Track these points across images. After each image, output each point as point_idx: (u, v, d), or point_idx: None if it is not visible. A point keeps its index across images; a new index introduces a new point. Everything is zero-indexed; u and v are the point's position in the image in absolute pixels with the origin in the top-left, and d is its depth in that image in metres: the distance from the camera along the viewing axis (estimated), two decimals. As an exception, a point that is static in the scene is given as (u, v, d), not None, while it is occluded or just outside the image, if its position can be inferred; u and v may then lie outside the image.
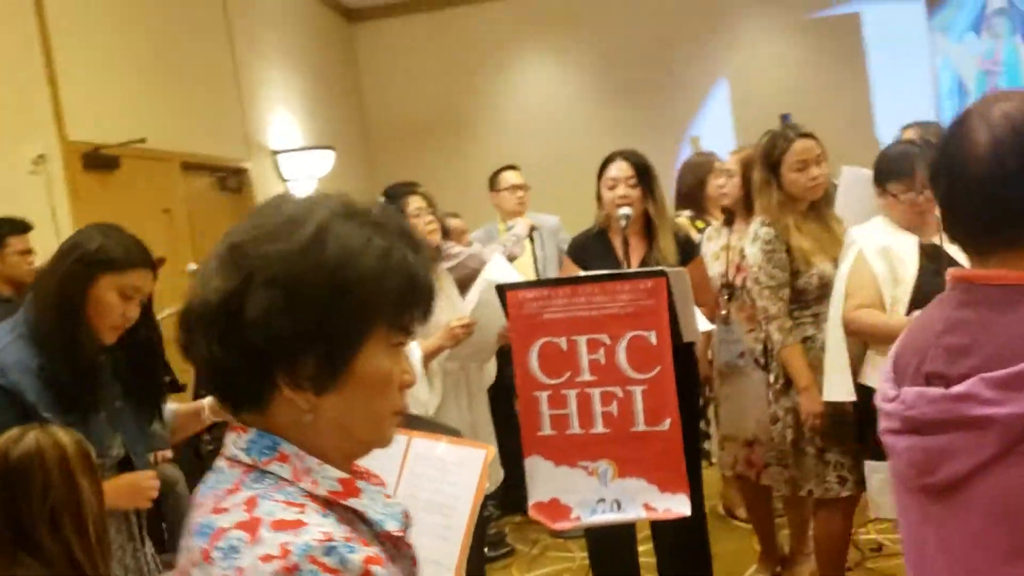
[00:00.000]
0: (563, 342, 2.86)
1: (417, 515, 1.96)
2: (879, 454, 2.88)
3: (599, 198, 3.37)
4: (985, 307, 1.23)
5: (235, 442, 1.03)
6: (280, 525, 0.93)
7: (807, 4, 7.86)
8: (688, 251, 3.35)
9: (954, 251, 2.86)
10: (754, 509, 3.83)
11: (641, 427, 2.81)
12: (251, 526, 0.94)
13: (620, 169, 3.32)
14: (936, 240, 2.92)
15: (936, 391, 1.25)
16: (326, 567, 0.90)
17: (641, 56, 8.01)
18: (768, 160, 3.19)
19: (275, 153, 6.87)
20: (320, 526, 0.94)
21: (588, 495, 2.87)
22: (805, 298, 3.18)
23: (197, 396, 2.88)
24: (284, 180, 6.91)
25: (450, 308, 3.23)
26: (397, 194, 3.35)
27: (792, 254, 3.15)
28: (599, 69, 8.22)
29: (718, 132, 7.62)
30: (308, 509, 0.96)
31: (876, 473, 2.93)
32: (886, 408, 1.34)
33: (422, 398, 3.09)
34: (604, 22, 8.13)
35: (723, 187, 3.89)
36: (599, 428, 2.85)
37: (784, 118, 6.84)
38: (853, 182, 3.54)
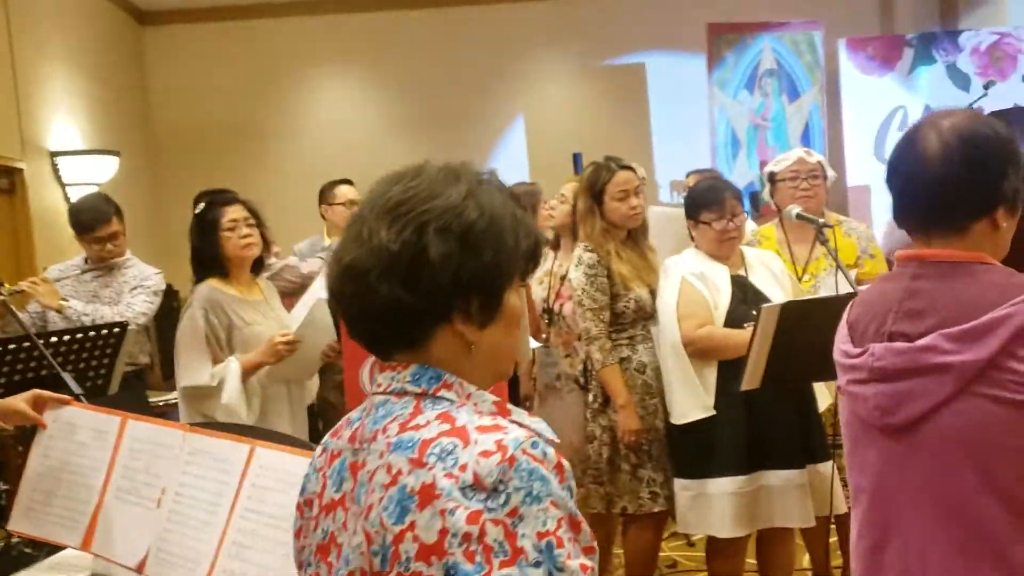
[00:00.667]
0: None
1: (259, 531, 1.91)
2: (688, 472, 3.11)
3: None
4: (936, 279, 1.55)
5: (395, 378, 1.15)
6: (484, 429, 1.07)
7: (599, 51, 8.30)
8: None
9: (757, 281, 3.15)
10: None
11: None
12: (459, 433, 1.07)
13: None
14: (742, 272, 3.19)
15: (902, 345, 1.55)
16: (535, 457, 1.05)
17: (442, 88, 8.15)
18: (592, 189, 3.37)
19: (54, 155, 6.41)
20: (516, 427, 1.08)
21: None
22: (622, 321, 3.35)
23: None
24: (63, 184, 6.46)
25: (275, 321, 3.16)
26: (216, 202, 3.22)
27: (612, 279, 3.32)
28: (401, 97, 8.27)
29: (514, 166, 7.86)
30: (497, 418, 1.11)
31: (685, 491, 3.14)
32: (849, 363, 1.64)
33: (240, 415, 2.99)
34: (407, 52, 8.20)
35: (553, 210, 4.04)
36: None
37: (576, 157, 7.19)
38: (664, 221, 3.79)
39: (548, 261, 3.97)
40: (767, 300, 3.00)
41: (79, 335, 3.36)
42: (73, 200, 5.80)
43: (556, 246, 4.00)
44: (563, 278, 3.73)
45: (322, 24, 8.25)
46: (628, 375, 3.31)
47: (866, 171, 7.33)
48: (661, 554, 4.06)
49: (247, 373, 3.01)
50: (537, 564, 1.02)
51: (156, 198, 7.90)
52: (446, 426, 1.08)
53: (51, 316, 3.85)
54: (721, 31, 7.46)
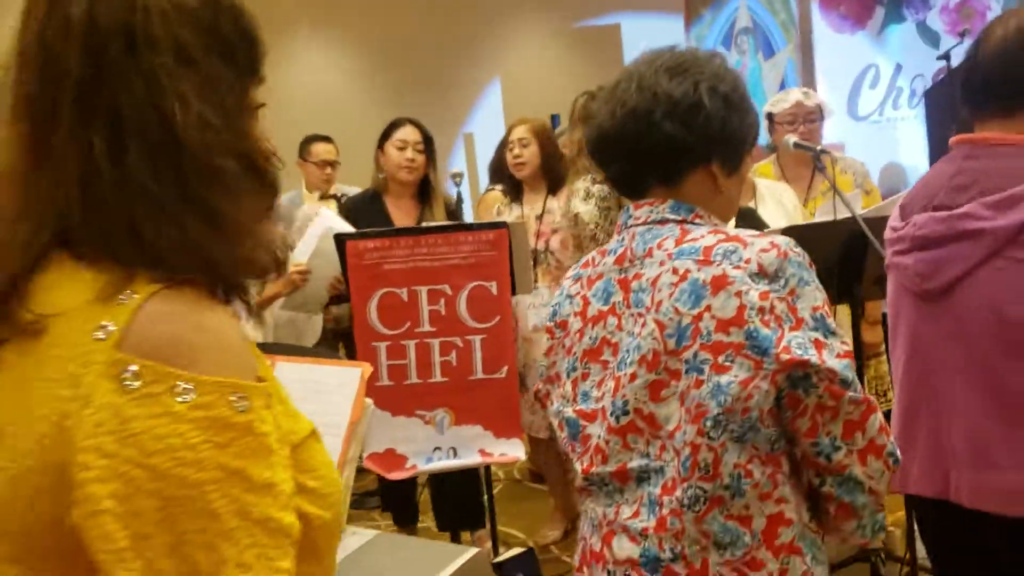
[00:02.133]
0: (404, 293, 2.88)
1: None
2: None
3: (377, 161, 3.49)
4: (986, 159, 1.68)
5: (654, 210, 1.43)
6: (753, 236, 1.36)
7: (573, 12, 8.31)
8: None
9: (766, 215, 3.19)
10: (550, 467, 3.98)
11: (479, 375, 2.88)
12: (735, 239, 1.34)
13: (410, 133, 3.49)
14: (752, 204, 3.22)
15: (942, 213, 1.66)
16: (799, 254, 1.34)
17: (418, 52, 8.12)
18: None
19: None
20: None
21: (424, 444, 2.89)
22: None
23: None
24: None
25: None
26: None
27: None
28: (374, 61, 8.23)
29: (491, 128, 7.85)
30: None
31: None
32: (895, 236, 1.75)
33: (252, 350, 2.99)
34: (384, 16, 8.16)
35: (520, 157, 3.85)
36: (437, 378, 2.89)
37: (554, 118, 7.20)
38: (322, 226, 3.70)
39: (513, 211, 3.88)
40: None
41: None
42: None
43: (519, 191, 3.91)
44: (539, 217, 3.73)
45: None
46: None
47: (840, 128, 7.42)
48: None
49: (263, 304, 3.00)
50: (815, 329, 1.30)
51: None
52: (721, 236, 1.35)
53: None
54: (697, -10, 7.51)
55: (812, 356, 1.27)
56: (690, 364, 1.31)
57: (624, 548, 1.39)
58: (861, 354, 3.01)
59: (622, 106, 1.41)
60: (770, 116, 3.65)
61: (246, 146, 0.88)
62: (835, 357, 1.29)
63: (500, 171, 4.35)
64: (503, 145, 4.39)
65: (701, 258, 1.33)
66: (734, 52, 7.51)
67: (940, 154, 1.84)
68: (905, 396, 1.76)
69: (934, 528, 1.85)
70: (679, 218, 1.40)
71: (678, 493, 1.33)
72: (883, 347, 3.53)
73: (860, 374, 2.96)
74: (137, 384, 0.75)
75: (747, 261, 1.30)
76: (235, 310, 0.88)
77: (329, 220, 3.13)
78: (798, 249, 1.35)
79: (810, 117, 3.59)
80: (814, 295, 1.32)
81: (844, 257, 2.86)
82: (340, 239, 2.87)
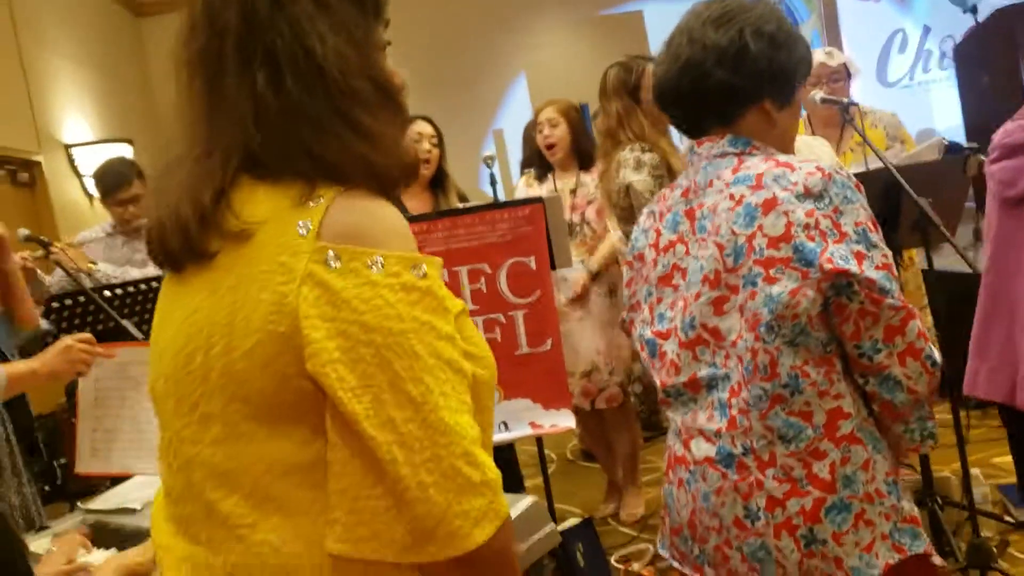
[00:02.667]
0: (444, 274, 2.92)
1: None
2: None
3: None
4: None
5: (716, 144, 1.58)
6: (801, 162, 1.50)
7: (596, 2, 8.33)
8: None
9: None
10: (593, 435, 4.00)
11: (524, 350, 2.93)
12: (785, 164, 1.50)
13: (425, 127, 3.62)
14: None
15: None
16: (845, 176, 1.48)
17: (444, 50, 8.19)
18: (626, 87, 3.35)
19: (68, 147, 6.48)
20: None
21: (475, 420, 2.94)
22: None
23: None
24: (79, 175, 6.52)
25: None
26: None
27: (673, 177, 3.16)
28: (403, 62, 8.29)
29: (520, 122, 7.87)
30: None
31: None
32: (990, 148, 1.97)
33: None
34: (407, 16, 8.23)
35: (550, 137, 3.87)
36: (484, 355, 2.93)
37: (583, 108, 7.23)
38: None
39: (542, 188, 3.88)
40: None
41: (131, 288, 3.43)
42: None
43: (545, 170, 3.92)
44: (573, 191, 3.75)
45: None
46: None
47: (871, 96, 7.36)
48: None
49: None
50: (857, 242, 1.43)
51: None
52: (772, 163, 1.51)
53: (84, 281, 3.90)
54: (715, -32, 7.48)
55: (852, 266, 1.40)
56: (746, 279, 1.47)
57: (701, 448, 1.57)
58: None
59: (676, 60, 1.57)
60: None
61: (376, 72, 1.08)
62: (874, 268, 1.41)
63: (530, 157, 4.39)
64: (531, 127, 4.42)
65: (754, 184, 1.49)
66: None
67: (975, 110, 1.93)
68: (984, 303, 1.87)
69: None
70: (736, 151, 1.56)
71: (743, 395, 1.49)
72: (924, 301, 3.52)
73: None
74: (338, 264, 0.96)
75: (794, 184, 1.45)
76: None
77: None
78: (844, 171, 1.47)
79: (834, 77, 3.58)
80: (857, 212, 1.45)
81: (879, 207, 2.87)
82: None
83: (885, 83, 7.85)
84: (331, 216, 0.98)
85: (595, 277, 3.67)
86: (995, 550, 2.84)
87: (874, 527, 1.46)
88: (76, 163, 6.50)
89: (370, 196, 1.02)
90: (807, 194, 1.44)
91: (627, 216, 3.29)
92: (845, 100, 3.06)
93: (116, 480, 2.40)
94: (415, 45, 8.26)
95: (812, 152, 3.29)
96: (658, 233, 1.65)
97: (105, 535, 1.95)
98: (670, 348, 1.61)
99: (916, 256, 3.56)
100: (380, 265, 0.96)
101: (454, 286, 2.91)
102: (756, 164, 1.52)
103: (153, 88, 8.34)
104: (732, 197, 1.50)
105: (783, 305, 1.43)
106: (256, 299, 0.97)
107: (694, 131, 1.63)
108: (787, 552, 1.47)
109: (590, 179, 3.77)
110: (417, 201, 3.59)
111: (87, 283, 3.71)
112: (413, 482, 0.92)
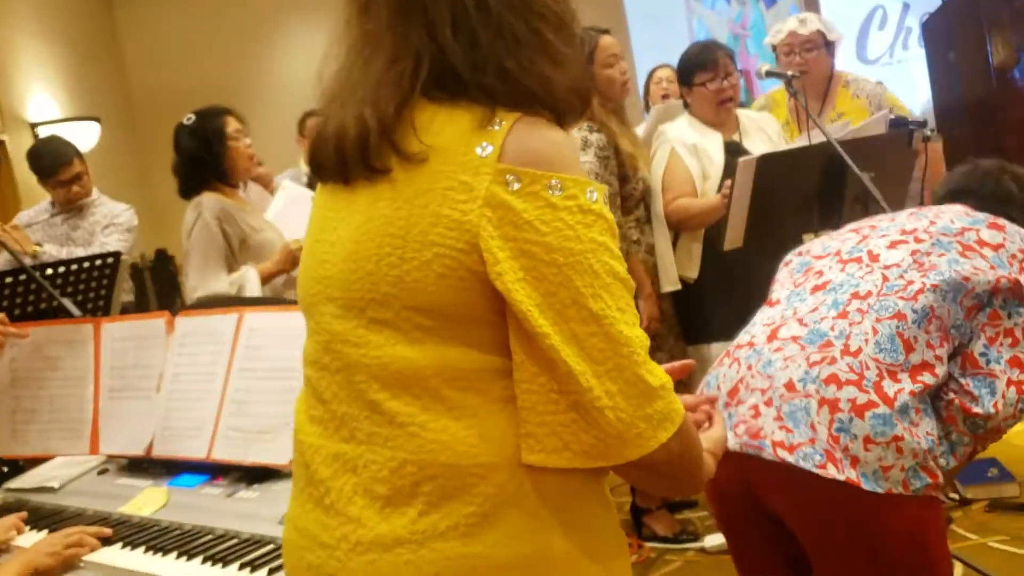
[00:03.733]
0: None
1: (256, 386, 1.95)
2: (700, 337, 3.13)
3: None
4: None
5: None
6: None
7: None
8: None
9: (752, 147, 3.15)
10: None
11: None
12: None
13: None
14: (736, 138, 3.18)
15: None
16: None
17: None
18: None
19: (34, 126, 6.41)
20: None
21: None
22: (628, 204, 3.12)
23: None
24: (46, 154, 6.45)
25: (274, 231, 3.14)
26: (212, 112, 3.17)
27: (621, 159, 3.06)
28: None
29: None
30: None
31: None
32: None
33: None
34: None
35: (663, 81, 4.02)
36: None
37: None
38: (298, 196, 3.57)
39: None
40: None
41: (73, 266, 3.38)
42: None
43: None
44: None
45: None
46: (641, 259, 3.13)
47: (851, 72, 7.28)
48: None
49: (263, 282, 2.97)
50: None
51: (139, 163, 7.87)
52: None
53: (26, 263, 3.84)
54: (693, -57, 7.40)
55: None
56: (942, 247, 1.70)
57: (791, 329, 1.74)
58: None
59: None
60: (773, 47, 3.58)
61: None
62: None
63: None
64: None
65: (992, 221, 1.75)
66: (735, 3, 7.41)
67: (944, 87, 1.88)
68: None
69: None
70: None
71: (862, 304, 1.68)
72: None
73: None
74: (518, 186, 1.00)
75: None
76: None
77: (291, 188, 3.14)
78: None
79: (806, 46, 3.46)
80: None
81: (822, 181, 2.82)
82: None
83: (865, 60, 7.76)
84: (511, 140, 1.02)
85: None
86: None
87: (902, 456, 1.55)
88: (42, 142, 6.44)
89: (547, 123, 1.06)
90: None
91: None
92: (788, 73, 3.00)
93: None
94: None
95: (760, 127, 3.24)
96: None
97: (28, 512, 1.98)
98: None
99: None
100: (559, 189, 1.01)
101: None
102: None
103: (125, 66, 8.26)
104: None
105: (960, 276, 1.67)
106: (434, 214, 1.02)
107: None
108: (819, 423, 1.57)
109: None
110: None
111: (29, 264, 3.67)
112: (600, 391, 0.99)
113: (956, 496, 3.08)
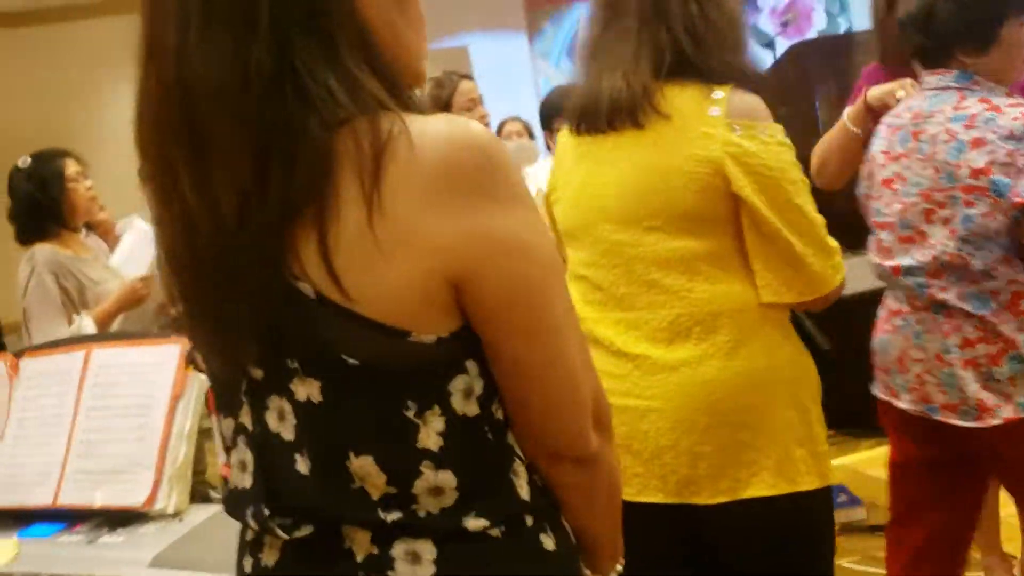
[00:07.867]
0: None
1: (111, 423, 1.83)
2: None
3: None
4: None
5: (942, 79, 2.00)
6: (1011, 105, 1.88)
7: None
8: None
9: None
10: None
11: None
12: (995, 108, 1.88)
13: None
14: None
15: None
16: None
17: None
18: (438, 104, 3.29)
19: None
20: None
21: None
22: None
23: None
24: None
25: (114, 277, 3.02)
26: (50, 154, 3.08)
27: None
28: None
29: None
30: (1011, 98, 1.92)
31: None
32: None
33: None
34: None
35: None
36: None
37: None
38: (515, 153, 3.68)
39: None
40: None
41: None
42: None
43: None
44: None
45: (125, 23, 7.92)
46: None
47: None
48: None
49: (102, 325, 2.86)
50: None
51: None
52: (985, 105, 1.89)
53: None
54: (538, 5, 7.65)
55: None
56: (952, 199, 1.90)
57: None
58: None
59: (925, 13, 2.02)
60: None
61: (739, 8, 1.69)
62: None
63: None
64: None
65: (967, 123, 1.89)
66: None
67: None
68: None
69: None
70: (958, 85, 1.95)
71: (939, 282, 1.94)
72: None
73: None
74: (741, 132, 1.51)
75: (999, 127, 1.84)
76: None
77: (139, 226, 3.03)
78: None
79: None
80: None
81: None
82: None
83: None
84: (732, 103, 1.52)
85: None
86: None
87: None
88: None
89: (745, 91, 1.55)
90: (1011, 136, 1.83)
91: None
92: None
93: None
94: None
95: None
96: (890, 143, 2.05)
97: None
98: (885, 236, 2.05)
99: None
100: (767, 132, 1.52)
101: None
102: (973, 104, 1.90)
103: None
104: (948, 132, 1.91)
105: (976, 224, 1.87)
106: (688, 153, 1.53)
107: (928, 65, 2.01)
108: (968, 381, 1.91)
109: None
110: None
111: None
112: (807, 252, 1.53)
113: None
